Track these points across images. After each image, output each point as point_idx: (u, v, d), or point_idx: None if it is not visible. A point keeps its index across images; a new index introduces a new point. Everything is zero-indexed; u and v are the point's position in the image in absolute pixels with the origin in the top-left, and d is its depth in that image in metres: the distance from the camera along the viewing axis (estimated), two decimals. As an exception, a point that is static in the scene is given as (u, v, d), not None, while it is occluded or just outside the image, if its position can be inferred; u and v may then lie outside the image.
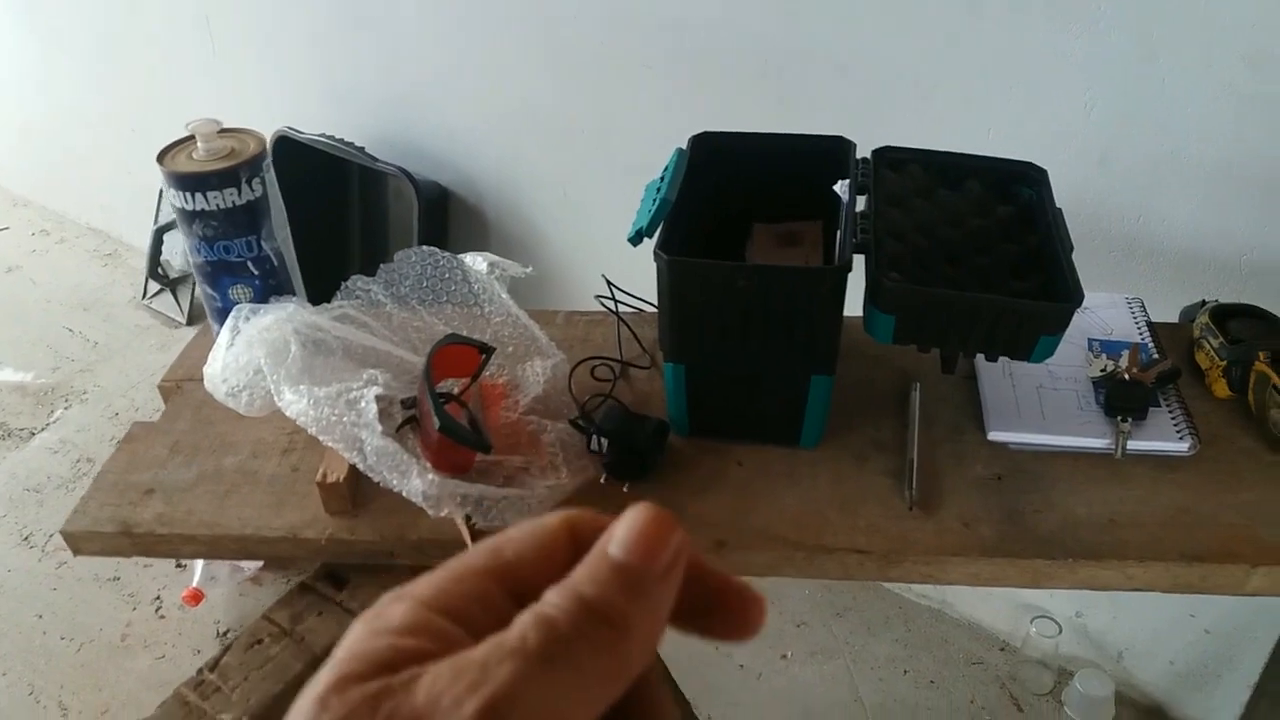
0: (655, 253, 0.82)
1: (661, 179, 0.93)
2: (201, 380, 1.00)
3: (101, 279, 2.93)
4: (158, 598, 1.96)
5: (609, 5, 1.66)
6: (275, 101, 2.30)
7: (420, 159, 2.08)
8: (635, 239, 0.87)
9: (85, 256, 3.05)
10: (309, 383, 0.85)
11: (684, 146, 0.97)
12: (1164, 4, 1.17)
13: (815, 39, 1.47)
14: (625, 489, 0.86)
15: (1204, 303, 1.02)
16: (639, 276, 1.05)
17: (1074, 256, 0.85)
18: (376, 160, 2.05)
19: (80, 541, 0.85)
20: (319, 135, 2.11)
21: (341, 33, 2.07)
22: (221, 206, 0.90)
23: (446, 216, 2.10)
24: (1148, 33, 1.20)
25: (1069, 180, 1.21)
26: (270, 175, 0.94)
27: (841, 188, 0.91)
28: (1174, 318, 1.08)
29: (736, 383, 0.88)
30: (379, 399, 0.85)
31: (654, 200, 0.89)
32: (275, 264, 0.96)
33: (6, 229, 3.20)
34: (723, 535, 0.83)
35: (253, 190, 0.92)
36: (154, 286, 2.76)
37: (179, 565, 2.00)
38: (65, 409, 2.38)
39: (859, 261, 0.81)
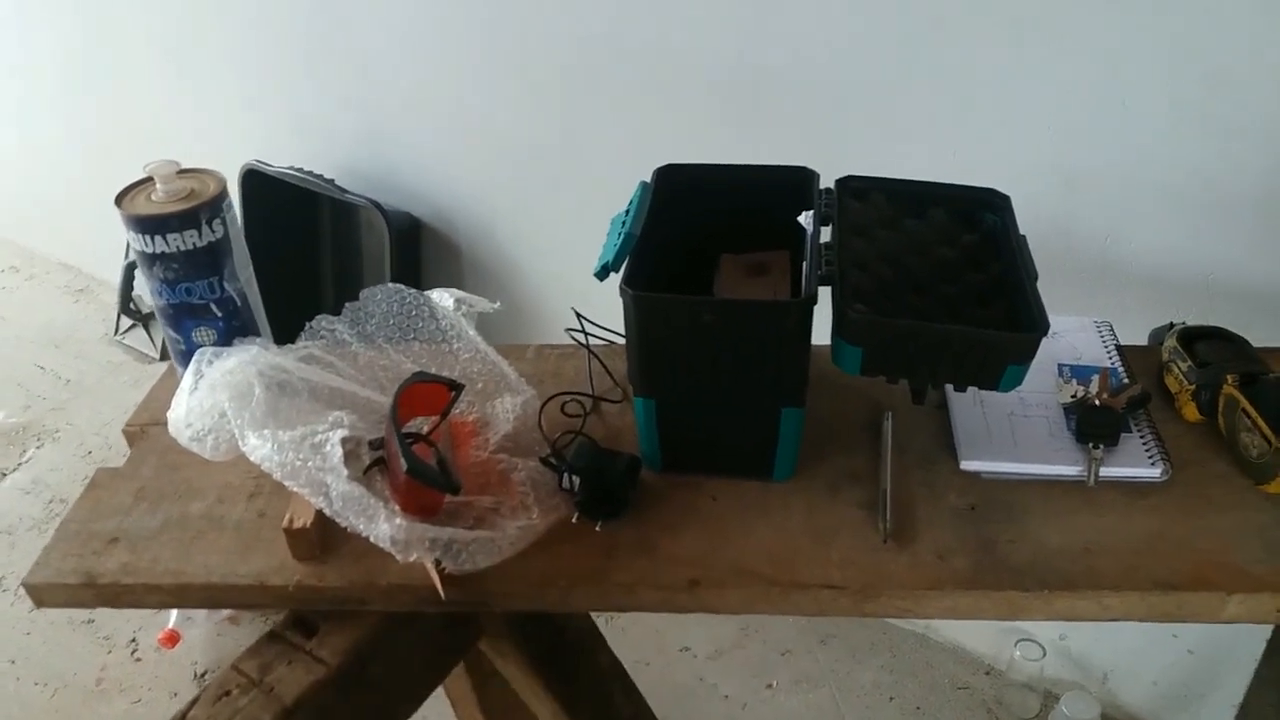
0: (621, 288, 0.81)
1: (626, 212, 0.93)
2: (165, 425, 0.99)
3: (73, 315, 2.90)
4: (133, 640, 1.93)
5: (575, 34, 1.67)
6: (244, 134, 2.29)
7: (391, 191, 2.08)
8: (601, 274, 0.86)
9: (56, 292, 3.02)
10: (274, 426, 0.84)
11: (648, 180, 0.97)
12: (1125, 26, 1.19)
13: (778, 65, 1.48)
14: (598, 528, 0.85)
15: (1172, 325, 1.03)
16: (612, 309, 1.05)
17: (1041, 280, 0.85)
18: (346, 192, 2.05)
19: (43, 594, 0.84)
20: (288, 168, 2.10)
21: (309, 65, 2.07)
22: (182, 248, 0.89)
23: (419, 247, 2.10)
24: (1110, 54, 1.21)
25: (1037, 203, 1.22)
26: (231, 215, 0.94)
27: (805, 219, 0.91)
28: (1144, 340, 1.08)
29: (707, 416, 0.87)
30: (346, 441, 0.84)
31: (619, 234, 0.89)
32: (239, 304, 0.95)
33: (-24, 266, 3.17)
34: (696, 573, 0.82)
35: (214, 231, 0.91)
36: (126, 322, 2.74)
37: (154, 609, 1.97)
38: (37, 448, 2.35)
39: (825, 293, 0.81)
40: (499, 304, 0.98)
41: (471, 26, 1.78)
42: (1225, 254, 1.24)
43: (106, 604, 0.84)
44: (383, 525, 0.78)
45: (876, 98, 1.41)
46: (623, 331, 1.08)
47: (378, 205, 1.97)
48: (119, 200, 0.91)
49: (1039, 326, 0.78)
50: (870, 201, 0.95)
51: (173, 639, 1.89)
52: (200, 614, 1.94)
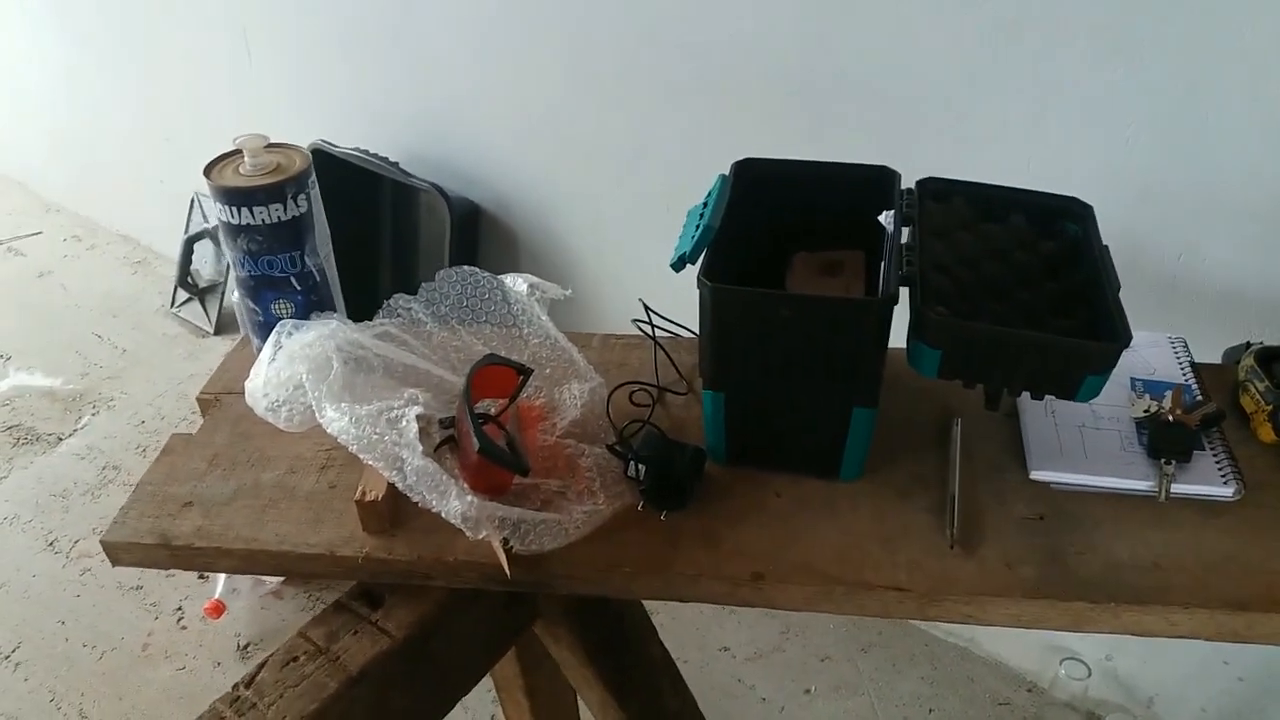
0: (699, 279, 0.82)
1: (704, 204, 0.93)
2: (239, 394, 1.00)
3: (131, 286, 2.96)
4: (179, 608, 1.97)
5: (638, 26, 1.67)
6: (309, 114, 2.33)
7: (452, 175, 2.10)
8: (678, 264, 0.86)
9: (115, 263, 3.08)
10: (350, 400, 0.85)
11: (725, 173, 0.97)
12: (1208, 38, 1.17)
13: (850, 63, 1.48)
14: (663, 517, 0.86)
15: (1248, 344, 1.01)
16: (674, 301, 1.05)
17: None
18: (410, 176, 2.07)
19: (119, 552, 0.86)
20: (353, 149, 2.13)
21: (377, 47, 2.09)
22: (267, 222, 0.91)
23: (478, 234, 2.11)
24: (1191, 66, 1.19)
25: (1109, 214, 1.20)
26: (315, 191, 0.95)
27: (886, 218, 0.91)
28: (1217, 358, 1.07)
29: (776, 412, 0.87)
30: (418, 418, 0.85)
31: (697, 225, 0.89)
32: (318, 280, 0.97)
33: (39, 234, 3.24)
34: (761, 567, 0.82)
35: (298, 206, 0.92)
36: (183, 295, 2.78)
37: (202, 577, 2.00)
38: (93, 415, 2.40)
39: (903, 293, 0.81)
40: (570, 291, 0.99)
41: (540, 18, 1.79)
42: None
43: (180, 566, 0.86)
44: (454, 502, 0.79)
45: (951, 103, 1.40)
46: (688, 324, 1.09)
47: (440, 189, 1.99)
48: (207, 171, 0.93)
49: (1120, 337, 0.78)
50: (950, 204, 0.95)
51: (218, 609, 1.93)
52: (245, 586, 1.97)
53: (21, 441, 2.30)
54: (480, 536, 0.80)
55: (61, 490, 2.17)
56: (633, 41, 1.70)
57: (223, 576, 1.95)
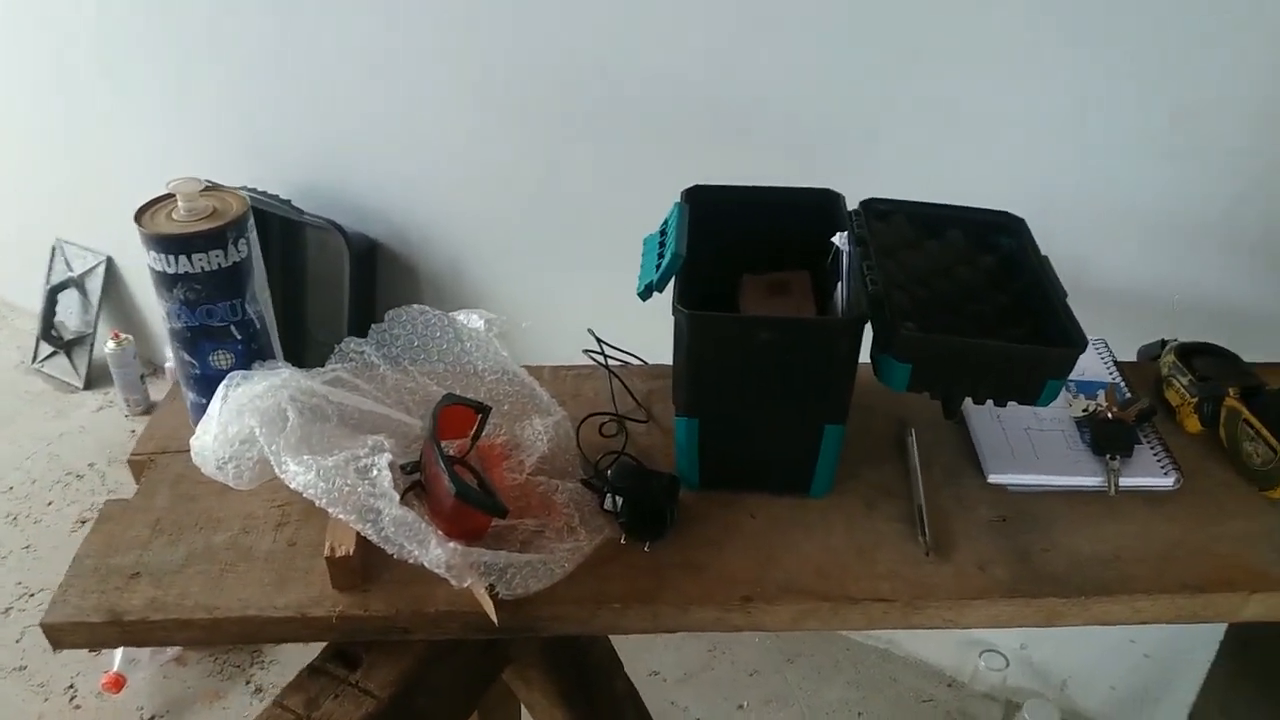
0: (675, 307, 0.82)
1: (661, 232, 0.93)
2: (175, 452, 0.95)
3: (-17, 343, 2.74)
4: (71, 686, 1.82)
5: (540, 54, 1.66)
6: (188, 151, 2.21)
7: (346, 211, 2.03)
8: (645, 293, 0.86)
9: (-36, 319, 2.85)
10: (308, 451, 0.81)
11: (679, 200, 0.97)
12: (1097, 63, 1.25)
13: (755, 86, 1.51)
14: (646, 548, 0.85)
15: (1164, 342, 1.08)
16: (599, 327, 1.05)
17: None
18: (303, 213, 2.00)
19: (62, 635, 0.79)
20: (241, 188, 2.03)
21: (262, 79, 2.01)
22: (206, 269, 0.86)
23: (375, 269, 2.05)
24: (1081, 88, 1.27)
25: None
26: (253, 235, 0.90)
27: (840, 239, 0.93)
28: (1132, 356, 1.13)
29: (750, 435, 0.88)
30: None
31: (658, 254, 0.89)
32: (258, 327, 0.92)
33: None
34: (748, 591, 0.82)
35: (239, 251, 0.88)
36: (46, 349, 2.60)
37: (93, 651, 1.86)
38: (-45, 485, 2.21)
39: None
40: (527, 324, 0.97)
41: (435, 47, 1.76)
42: (1192, 276, 1.31)
43: (133, 642, 0.80)
44: (435, 550, 0.76)
45: (860, 124, 1.45)
46: (632, 352, 1.09)
47: (338, 226, 1.93)
48: (138, 218, 0.87)
49: (1078, 342, 0.82)
50: (893, 223, 0.98)
51: (118, 683, 1.80)
52: (144, 655, 1.84)
53: (-125, 521, 2.10)
54: (465, 584, 0.77)
55: (-74, 570, 1.99)
56: (532, 68, 1.68)
57: (120, 649, 1.82)
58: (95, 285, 2.55)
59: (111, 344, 2.35)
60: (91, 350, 2.55)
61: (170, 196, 0.88)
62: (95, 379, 2.53)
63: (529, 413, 0.96)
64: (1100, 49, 1.24)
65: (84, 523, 2.11)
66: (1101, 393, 1.02)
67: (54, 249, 2.60)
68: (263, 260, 0.92)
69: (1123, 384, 1.05)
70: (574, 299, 1.77)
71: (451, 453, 0.89)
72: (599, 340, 1.05)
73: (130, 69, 2.19)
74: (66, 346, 2.57)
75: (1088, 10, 1.23)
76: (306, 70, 1.93)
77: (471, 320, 0.96)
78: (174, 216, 0.87)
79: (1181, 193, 1.28)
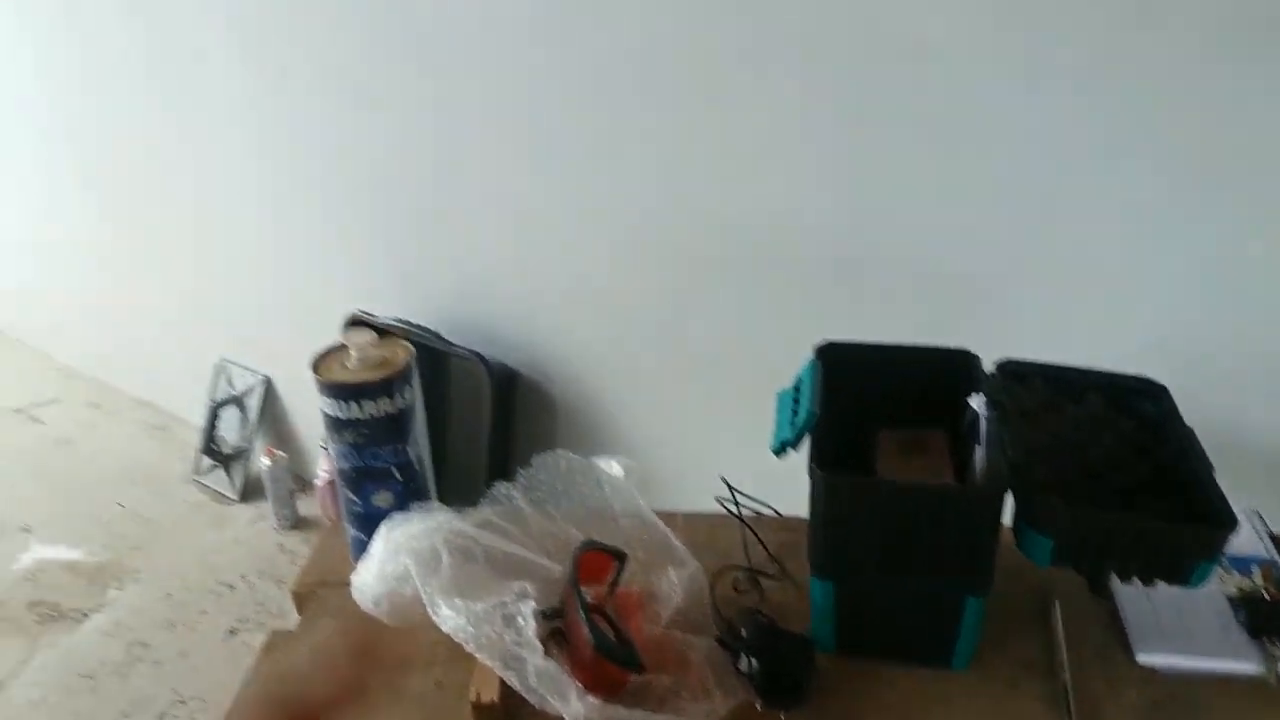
0: (810, 468, 0.84)
1: (795, 389, 0.96)
2: (335, 585, 1.00)
3: (152, 453, 2.94)
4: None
5: (683, 201, 1.73)
6: (343, 283, 2.38)
7: (489, 342, 2.13)
8: (779, 450, 0.88)
9: (136, 429, 3.08)
10: (459, 594, 0.85)
11: (812, 357, 1.00)
12: (1239, 212, 1.23)
13: (885, 240, 1.53)
14: (782, 717, 0.84)
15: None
16: (729, 472, 1.07)
17: None
18: (450, 344, 2.11)
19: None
20: (392, 319, 2.17)
21: (413, 220, 2.16)
22: (375, 415, 0.93)
23: (514, 399, 2.14)
24: (1223, 242, 1.25)
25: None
26: (416, 383, 0.97)
27: (977, 402, 0.93)
28: (1290, 527, 1.08)
29: (888, 602, 0.88)
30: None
31: (792, 410, 0.91)
32: (417, 469, 0.98)
33: (56, 400, 3.25)
34: (885, 763, 0.81)
35: (404, 399, 0.95)
36: (207, 462, 2.78)
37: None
38: (118, 589, 2.35)
39: (1009, 481, 0.83)
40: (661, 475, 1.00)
41: (581, 198, 1.87)
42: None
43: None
44: (575, 704, 0.78)
45: (994, 283, 1.45)
46: (766, 502, 1.10)
47: (479, 355, 2.03)
48: (315, 367, 0.95)
49: (1227, 522, 0.79)
50: (1030, 386, 0.98)
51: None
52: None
53: (46, 618, 2.24)
54: (602, 739, 0.78)
55: (89, 670, 2.10)
56: (669, 216, 1.76)
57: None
58: (254, 403, 2.73)
59: (266, 460, 2.50)
60: (248, 465, 2.72)
61: (343, 345, 0.96)
62: (250, 492, 2.68)
63: (664, 562, 0.98)
64: (1241, 199, 1.23)
65: (234, 633, 2.21)
66: (1257, 569, 0.98)
67: (217, 367, 2.80)
68: (423, 406, 0.99)
69: (1279, 560, 1.00)
70: (709, 442, 1.80)
71: (590, 599, 0.92)
72: (732, 489, 1.07)
73: (295, 207, 2.39)
74: (225, 460, 2.74)
75: (1226, 160, 1.21)
76: (459, 213, 2.07)
77: (612, 468, 1.00)
78: (346, 365, 0.95)
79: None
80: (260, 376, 2.74)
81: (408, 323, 2.18)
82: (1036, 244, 1.39)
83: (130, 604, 2.29)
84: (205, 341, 2.85)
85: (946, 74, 1.35)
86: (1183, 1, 1.16)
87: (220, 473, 2.74)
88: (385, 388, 0.93)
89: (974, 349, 1.00)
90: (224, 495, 2.70)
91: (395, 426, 0.95)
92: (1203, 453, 0.88)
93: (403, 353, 0.98)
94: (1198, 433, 0.90)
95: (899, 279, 1.55)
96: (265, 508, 2.57)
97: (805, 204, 1.60)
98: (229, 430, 2.78)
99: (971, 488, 0.88)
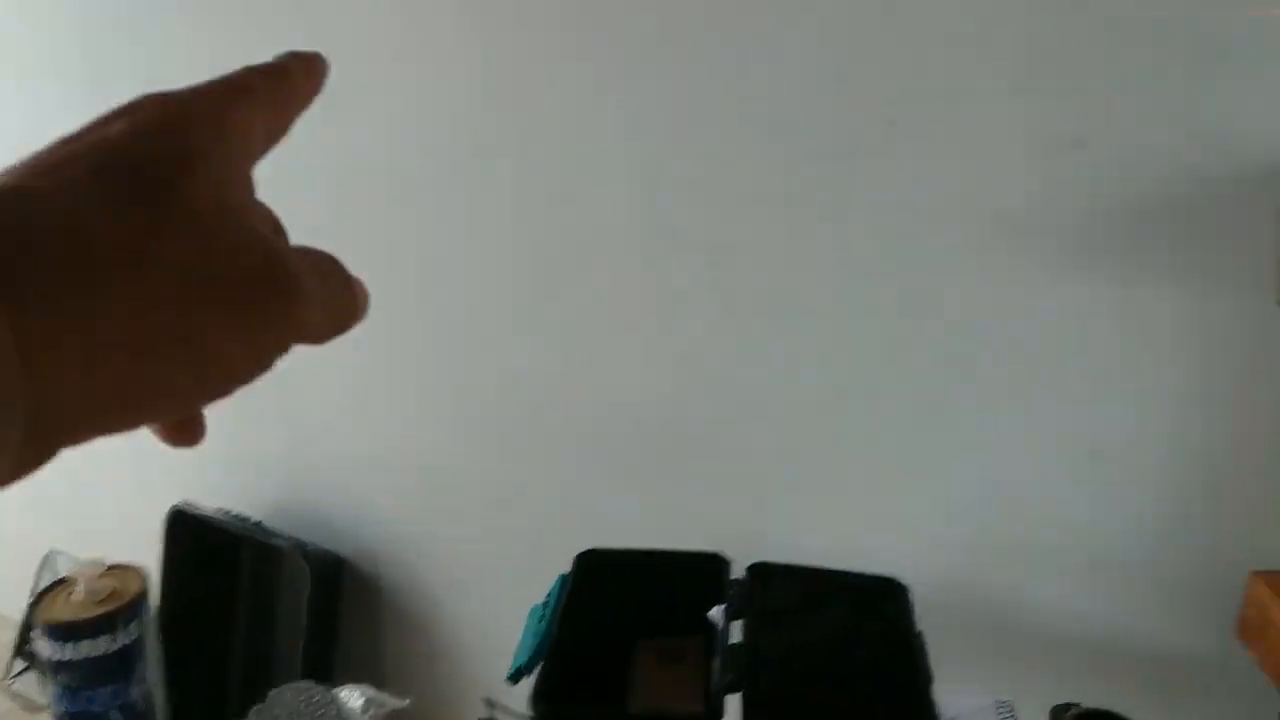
0: (530, 701, 0.82)
1: (545, 604, 0.96)
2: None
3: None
4: None
5: (525, 383, 1.75)
6: (170, 474, 2.30)
7: (316, 527, 2.08)
8: (514, 677, 0.87)
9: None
10: None
11: (567, 571, 1.00)
12: (1009, 402, 1.30)
13: (700, 425, 1.58)
14: None
15: (1068, 706, 1.06)
16: None
17: (944, 653, 0.88)
18: (271, 535, 2.04)
19: None
20: (216, 510, 2.10)
21: (239, 409, 2.12)
22: (91, 655, 0.89)
23: (339, 589, 2.06)
24: (996, 428, 1.32)
25: (934, 567, 1.28)
26: (148, 614, 0.94)
27: (716, 614, 0.95)
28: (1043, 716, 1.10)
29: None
30: None
31: (536, 631, 0.91)
32: (140, 709, 0.93)
33: None
34: None
35: (128, 634, 0.91)
36: (19, 664, 2.58)
37: None
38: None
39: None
40: (408, 701, 0.98)
41: (405, 376, 1.87)
42: (1119, 620, 1.30)
43: None
44: None
45: (781, 467, 1.49)
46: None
47: (301, 547, 1.96)
48: (37, 601, 0.91)
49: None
50: (779, 588, 1.00)
51: None
52: None
53: None
54: None
55: None
56: (514, 397, 1.77)
57: None
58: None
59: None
60: (64, 664, 2.53)
61: (66, 579, 0.92)
62: (64, 694, 2.49)
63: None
64: (1013, 391, 1.30)
65: None
66: (1005, 766, 0.99)
67: (45, 557, 2.65)
68: (156, 636, 0.95)
69: (1027, 756, 1.02)
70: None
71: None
72: (490, 704, 1.05)
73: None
74: (41, 665, 2.55)
75: (1000, 353, 1.30)
76: (281, 398, 2.05)
77: (353, 699, 0.97)
78: (71, 598, 0.91)
79: (1104, 536, 1.29)
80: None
81: (231, 514, 2.11)
82: (819, 426, 1.45)
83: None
84: (30, 527, 2.69)
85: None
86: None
87: (33, 677, 2.55)
88: (106, 624, 0.89)
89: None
90: (34, 702, 2.50)
91: (116, 665, 0.90)
92: (925, 662, 0.90)
93: (135, 581, 0.95)
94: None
95: (718, 459, 1.58)
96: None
97: (629, 386, 1.63)
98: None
99: (681, 714, 0.88)
